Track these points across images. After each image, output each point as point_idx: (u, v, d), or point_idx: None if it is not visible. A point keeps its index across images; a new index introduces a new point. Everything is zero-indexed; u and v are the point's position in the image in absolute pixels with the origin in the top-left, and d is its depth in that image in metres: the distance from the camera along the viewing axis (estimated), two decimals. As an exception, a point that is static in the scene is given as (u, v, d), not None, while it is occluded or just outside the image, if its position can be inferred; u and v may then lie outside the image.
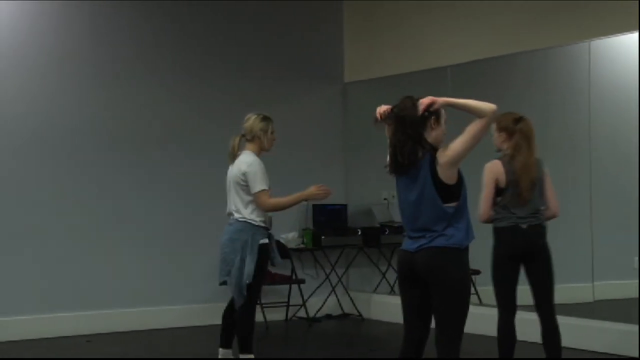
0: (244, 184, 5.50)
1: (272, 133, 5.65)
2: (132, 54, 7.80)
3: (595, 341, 6.19)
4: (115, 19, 7.73)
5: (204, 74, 8.11)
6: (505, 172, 4.89)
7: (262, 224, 5.54)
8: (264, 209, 5.50)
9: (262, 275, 5.55)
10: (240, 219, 5.53)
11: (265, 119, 5.65)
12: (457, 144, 3.80)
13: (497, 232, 4.97)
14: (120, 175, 7.70)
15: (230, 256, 5.50)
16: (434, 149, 3.84)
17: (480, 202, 4.95)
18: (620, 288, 7.03)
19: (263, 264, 5.54)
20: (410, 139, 3.83)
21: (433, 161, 3.82)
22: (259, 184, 5.46)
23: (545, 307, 4.91)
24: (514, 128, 4.94)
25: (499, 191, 4.92)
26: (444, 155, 3.81)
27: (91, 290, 7.48)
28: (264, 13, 8.41)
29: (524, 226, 4.89)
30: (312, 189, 5.61)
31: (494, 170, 4.92)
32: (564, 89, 7.24)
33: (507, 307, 4.93)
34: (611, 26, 6.53)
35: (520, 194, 4.88)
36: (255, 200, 5.48)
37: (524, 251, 4.90)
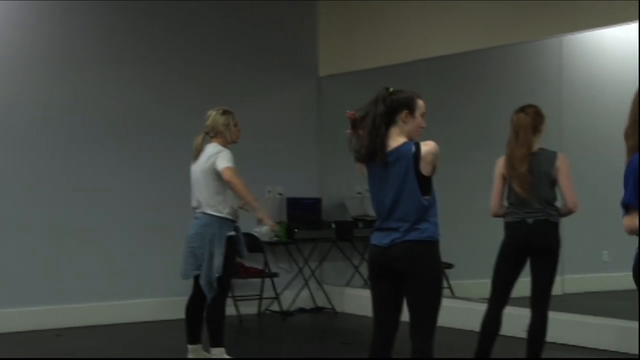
0: (214, 169, 5.47)
1: (235, 125, 5.60)
2: (104, 45, 7.73)
3: (565, 334, 6.25)
4: (87, 10, 7.65)
5: (178, 67, 8.06)
6: (505, 165, 4.90)
7: (229, 217, 5.51)
8: (228, 179, 5.40)
9: (231, 268, 5.55)
10: (207, 212, 5.50)
11: (226, 112, 5.62)
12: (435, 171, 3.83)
13: (505, 227, 4.96)
14: (90, 168, 7.63)
15: (199, 251, 5.49)
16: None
17: (491, 197, 4.97)
18: (589, 281, 7.11)
19: (231, 257, 5.54)
20: (385, 125, 3.83)
21: (417, 152, 3.81)
22: (227, 162, 5.43)
23: (540, 304, 4.90)
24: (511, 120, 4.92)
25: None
26: (431, 154, 3.80)
27: (61, 284, 7.42)
28: (238, 5, 8.37)
29: (530, 221, 4.86)
30: (265, 217, 5.59)
31: (498, 165, 4.94)
32: (536, 84, 7.28)
33: (498, 300, 4.93)
34: (583, 22, 6.58)
35: (513, 189, 4.87)
36: (223, 175, 5.41)
37: (529, 246, 4.88)
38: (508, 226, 4.96)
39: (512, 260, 4.93)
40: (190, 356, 5.69)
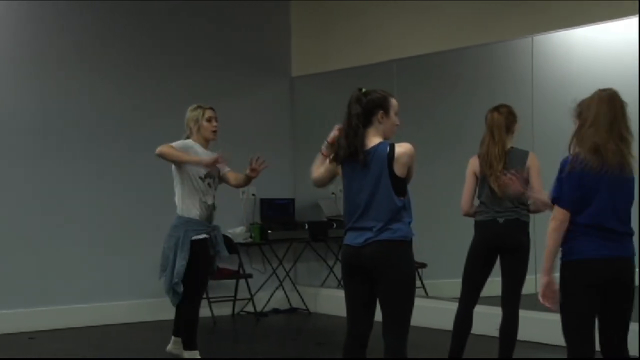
0: (173, 171, 5.44)
1: (208, 121, 5.47)
2: (79, 47, 7.67)
3: (536, 332, 6.28)
4: (60, 13, 7.59)
5: (151, 67, 8.01)
6: (479, 164, 4.92)
7: (197, 217, 5.42)
8: (158, 151, 5.32)
9: (198, 273, 5.40)
10: (177, 213, 5.47)
11: (197, 108, 5.53)
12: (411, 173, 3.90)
13: (476, 225, 4.99)
14: (65, 170, 7.57)
15: (166, 252, 5.45)
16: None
17: (462, 195, 4.99)
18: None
19: (198, 261, 5.39)
20: (362, 125, 3.85)
21: (392, 153, 3.83)
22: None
23: (511, 302, 4.93)
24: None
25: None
26: (405, 156, 3.82)
27: (34, 287, 7.36)
28: (211, 6, 8.34)
29: (501, 220, 4.89)
30: (207, 158, 5.35)
31: (473, 163, 4.95)
32: (507, 84, 7.33)
33: (470, 299, 4.96)
34: (554, 21, 6.64)
35: (487, 187, 4.89)
36: (158, 152, 5.33)
37: (499, 245, 4.91)
38: (479, 225, 4.98)
39: (483, 259, 4.96)
40: (169, 346, 5.68)
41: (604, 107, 3.65)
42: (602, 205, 3.60)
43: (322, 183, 4.13)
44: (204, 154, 5.48)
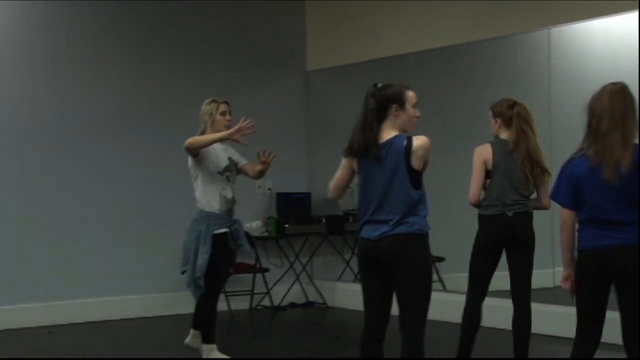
0: (190, 167, 5.46)
1: (222, 114, 5.50)
2: (94, 42, 7.70)
3: (556, 326, 6.27)
4: (76, 9, 7.62)
5: (167, 63, 8.04)
6: (493, 154, 4.87)
7: (217, 212, 5.46)
8: (186, 144, 5.31)
9: (219, 267, 5.43)
10: (198, 208, 5.49)
11: (212, 101, 5.56)
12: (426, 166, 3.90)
13: (481, 219, 4.94)
14: (82, 164, 7.61)
15: (188, 246, 5.47)
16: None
17: (471, 185, 4.93)
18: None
19: (219, 255, 5.42)
20: (377, 120, 3.86)
21: (409, 146, 3.82)
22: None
23: (522, 295, 4.91)
24: (510, 113, 4.91)
25: (487, 174, 4.90)
26: (422, 149, 3.82)
27: (53, 281, 7.40)
28: (226, 2, 8.35)
29: (510, 214, 4.87)
30: (231, 129, 5.35)
31: (483, 153, 4.89)
32: (524, 76, 7.29)
33: (478, 293, 4.93)
34: (571, 13, 6.59)
35: (526, 176, 4.85)
36: (184, 147, 5.35)
37: (508, 239, 4.89)
38: (487, 219, 4.92)
39: (491, 253, 4.92)
40: (188, 339, 5.70)
41: (615, 100, 3.65)
42: (599, 198, 3.65)
43: (343, 182, 4.11)
44: (219, 148, 5.51)
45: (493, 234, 4.91)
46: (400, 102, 3.92)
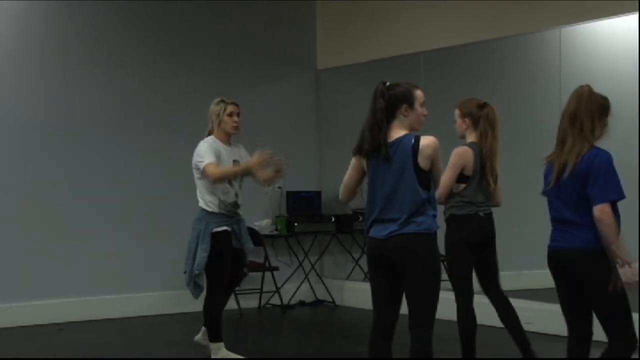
0: (196, 168, 5.48)
1: (229, 115, 5.51)
2: (103, 41, 7.72)
3: (556, 326, 6.23)
4: (85, 8, 7.64)
5: (177, 61, 8.05)
6: (474, 160, 4.82)
7: (217, 210, 5.46)
8: (212, 179, 5.37)
9: (218, 265, 5.42)
10: (200, 206, 5.51)
11: (220, 102, 5.56)
12: (439, 173, 3.98)
13: (457, 220, 4.86)
14: (94, 162, 7.63)
15: (191, 245, 5.48)
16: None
17: (441, 183, 4.89)
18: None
19: (219, 253, 5.42)
20: (386, 119, 3.86)
21: (416, 145, 3.82)
22: (205, 159, 5.38)
23: (497, 289, 4.95)
24: (479, 114, 4.87)
25: (462, 178, 4.83)
26: (429, 149, 3.82)
27: (63, 278, 7.43)
28: (236, 1, 8.35)
29: (482, 214, 4.87)
30: (253, 160, 5.43)
31: (464, 156, 4.81)
32: (535, 76, 7.27)
33: (467, 294, 4.90)
34: (582, 13, 6.57)
35: (487, 181, 4.84)
36: (205, 174, 5.40)
37: (482, 238, 4.90)
38: (462, 219, 4.84)
39: (469, 252, 4.88)
40: (198, 336, 5.72)
41: (572, 101, 3.79)
42: (556, 196, 3.77)
43: (352, 183, 4.10)
44: (225, 151, 5.53)
45: (469, 235, 4.86)
46: (410, 101, 3.93)
